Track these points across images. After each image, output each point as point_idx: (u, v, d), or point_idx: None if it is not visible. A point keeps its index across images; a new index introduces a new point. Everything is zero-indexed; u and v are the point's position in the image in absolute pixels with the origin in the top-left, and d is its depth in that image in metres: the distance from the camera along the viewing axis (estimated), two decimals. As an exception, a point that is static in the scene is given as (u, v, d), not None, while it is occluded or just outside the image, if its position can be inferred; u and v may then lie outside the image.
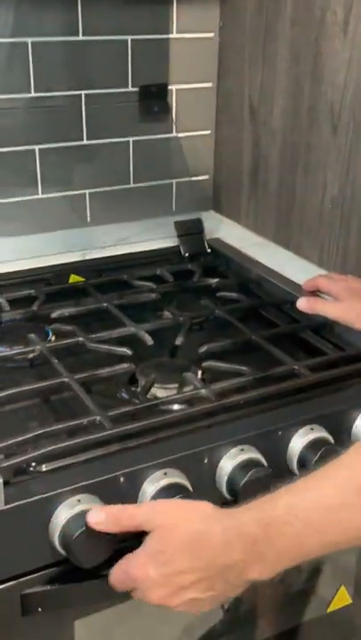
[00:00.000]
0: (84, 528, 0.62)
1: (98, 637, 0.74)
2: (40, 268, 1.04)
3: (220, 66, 1.19)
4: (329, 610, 0.90)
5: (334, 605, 0.90)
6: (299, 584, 0.91)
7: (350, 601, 0.91)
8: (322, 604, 0.90)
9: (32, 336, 0.87)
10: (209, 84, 1.21)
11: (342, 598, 0.90)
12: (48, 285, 1.01)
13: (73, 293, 1.01)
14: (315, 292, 0.96)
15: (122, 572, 0.62)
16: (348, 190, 0.99)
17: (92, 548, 0.63)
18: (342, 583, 0.90)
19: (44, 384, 0.78)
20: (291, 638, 0.91)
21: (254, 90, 1.13)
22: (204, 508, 0.62)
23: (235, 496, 0.71)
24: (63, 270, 1.04)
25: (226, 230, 1.22)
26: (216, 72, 1.21)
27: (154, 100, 1.16)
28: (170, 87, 1.18)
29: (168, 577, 0.59)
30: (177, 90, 1.19)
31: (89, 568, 0.64)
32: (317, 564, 0.91)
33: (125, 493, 0.67)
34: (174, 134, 1.20)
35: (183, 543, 0.59)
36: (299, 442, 0.75)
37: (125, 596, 0.68)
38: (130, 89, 1.14)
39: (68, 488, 0.64)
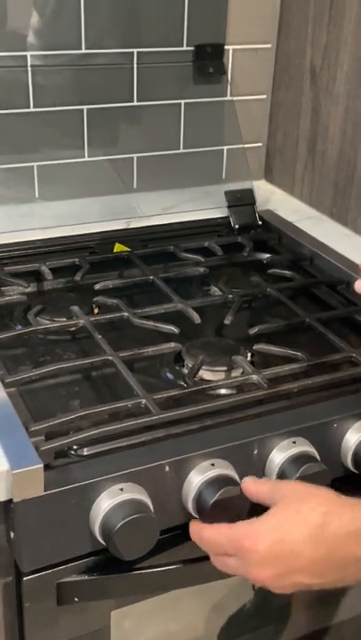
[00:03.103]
0: (127, 520, 0.58)
1: (134, 628, 0.71)
2: (83, 235, 1.00)
3: (280, 25, 1.12)
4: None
5: None
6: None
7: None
8: (357, 604, 0.86)
9: (75, 308, 0.82)
10: (268, 45, 1.14)
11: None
12: (92, 254, 0.97)
13: (117, 264, 0.96)
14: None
15: (224, 537, 0.59)
16: None
17: (133, 540, 0.60)
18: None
19: (87, 361, 0.74)
20: (323, 637, 0.87)
21: (317, 52, 1.06)
22: (330, 494, 0.58)
23: (285, 491, 0.66)
24: (107, 239, 1.00)
25: (278, 202, 1.16)
26: (276, 32, 1.13)
27: (209, 60, 1.09)
28: (226, 47, 1.11)
29: (279, 557, 0.56)
30: (234, 50, 1.12)
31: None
32: None
33: (170, 483, 0.64)
34: (229, 98, 1.14)
35: (307, 526, 0.55)
36: (355, 436, 0.70)
37: (162, 588, 0.65)
38: (184, 48, 1.08)
39: (110, 475, 0.61)
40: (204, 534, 0.61)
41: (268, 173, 1.22)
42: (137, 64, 1.06)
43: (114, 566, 0.63)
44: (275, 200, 1.16)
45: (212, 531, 0.60)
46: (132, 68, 1.06)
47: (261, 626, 0.84)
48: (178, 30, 1.06)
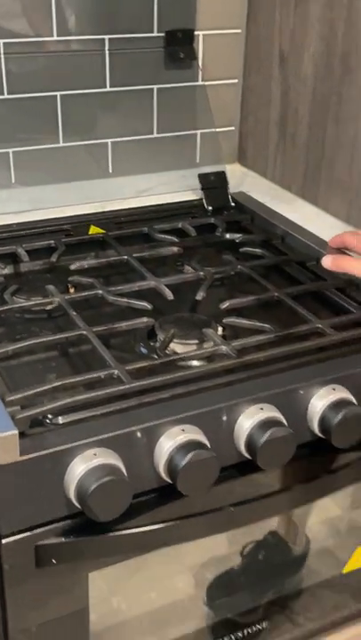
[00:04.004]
0: (100, 482, 0.61)
1: (111, 590, 0.74)
2: (59, 218, 1.02)
3: (249, 11, 1.14)
4: (345, 570, 0.89)
5: (350, 567, 0.89)
6: (316, 543, 0.91)
7: (367, 562, 0.90)
8: (337, 564, 0.90)
9: (50, 287, 0.85)
10: (238, 31, 1.17)
11: (359, 560, 0.90)
12: (67, 236, 0.99)
13: (93, 245, 0.98)
14: (341, 250, 0.93)
15: None
16: (379, 144, 0.96)
17: (106, 502, 0.62)
18: (359, 544, 0.89)
19: (62, 336, 0.76)
20: (305, 596, 0.91)
21: (285, 36, 1.08)
22: None
23: (253, 455, 0.69)
24: (83, 221, 1.02)
25: (251, 183, 1.18)
26: (245, 17, 1.16)
27: (180, 46, 1.11)
28: (197, 33, 1.13)
29: None
30: (204, 36, 1.14)
31: (104, 522, 0.63)
32: (334, 525, 0.90)
33: (142, 448, 0.66)
34: (200, 82, 1.16)
35: None
36: (320, 402, 0.73)
37: (137, 549, 0.68)
38: (155, 34, 1.10)
39: (84, 441, 0.63)
40: None
41: (242, 156, 1.25)
42: (109, 50, 1.08)
43: (90, 529, 0.66)
44: (248, 182, 1.19)
45: None
46: (104, 54, 1.08)
47: (249, 588, 0.87)
48: (148, 17, 1.08)
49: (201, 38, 1.14)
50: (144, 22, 1.09)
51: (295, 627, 0.90)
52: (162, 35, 1.10)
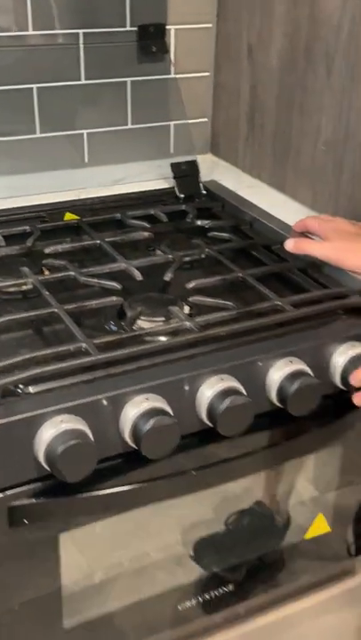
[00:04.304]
0: (67, 445, 0.66)
1: (82, 550, 0.78)
2: (35, 205, 1.06)
3: (219, 6, 1.19)
4: (306, 536, 0.94)
5: (312, 533, 0.94)
6: (281, 511, 0.96)
7: (329, 529, 0.95)
8: (300, 530, 0.95)
9: (25, 269, 0.89)
10: (208, 25, 1.21)
11: (320, 526, 0.94)
12: (43, 223, 1.03)
13: (67, 231, 1.03)
14: (304, 233, 0.98)
15: None
16: (340, 133, 1.00)
17: (73, 464, 0.67)
18: (321, 511, 0.94)
19: (34, 313, 0.81)
20: (271, 563, 0.95)
21: (252, 32, 1.13)
22: None
23: (214, 422, 0.74)
24: (58, 209, 1.06)
25: (222, 173, 1.23)
26: (215, 13, 1.20)
27: (152, 40, 1.16)
28: (168, 27, 1.17)
29: None
30: (176, 30, 1.19)
31: (71, 482, 0.68)
32: (297, 493, 0.95)
33: (108, 416, 0.71)
34: (173, 75, 1.21)
35: None
36: (278, 373, 0.78)
37: (105, 510, 0.72)
38: (128, 28, 1.14)
39: (52, 408, 0.68)
40: None
41: (215, 147, 1.29)
42: (83, 44, 1.12)
43: (60, 490, 0.70)
44: (219, 171, 1.23)
45: None
46: (79, 48, 1.12)
47: (231, 550, 0.91)
48: (121, 11, 1.13)
49: (173, 33, 1.19)
50: (117, 17, 1.13)
51: (267, 590, 0.95)
52: (134, 29, 1.15)
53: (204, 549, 0.89)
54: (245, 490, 0.94)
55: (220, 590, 0.89)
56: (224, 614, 0.95)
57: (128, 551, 0.84)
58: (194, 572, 0.89)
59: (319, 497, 0.95)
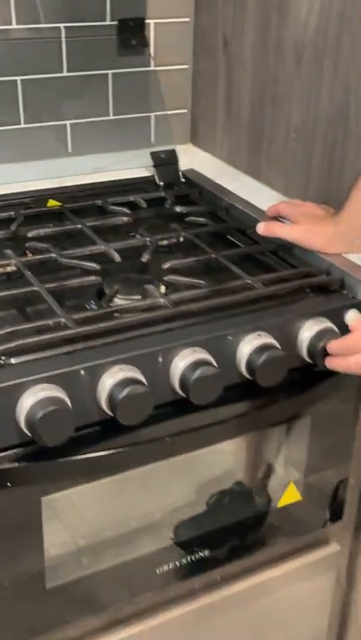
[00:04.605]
0: (46, 411, 0.70)
1: (63, 514, 0.83)
2: (19, 192, 1.11)
3: (196, 1, 1.23)
4: (279, 505, 0.99)
5: (284, 501, 0.99)
6: (253, 481, 1.01)
7: (300, 498, 1.00)
8: (274, 500, 0.99)
9: (9, 252, 0.94)
10: (186, 19, 1.26)
11: (292, 495, 0.99)
12: (27, 209, 1.08)
13: (50, 217, 1.07)
14: (277, 218, 1.03)
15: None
16: (309, 121, 1.05)
17: (52, 429, 0.71)
18: (292, 480, 0.99)
19: (16, 291, 0.85)
20: (247, 532, 1.00)
21: (227, 24, 1.17)
22: None
23: (186, 391, 0.79)
24: (42, 196, 1.11)
25: (201, 162, 1.27)
26: (193, 7, 1.25)
27: (131, 33, 1.20)
28: (148, 21, 1.22)
29: None
30: (155, 24, 1.23)
31: (51, 447, 0.72)
32: (268, 461, 1.00)
33: (86, 385, 0.76)
34: (152, 68, 1.25)
35: None
36: (247, 346, 0.83)
37: (85, 474, 0.77)
38: (108, 22, 1.19)
39: (32, 377, 0.73)
40: (346, 341, 0.83)
41: (194, 137, 1.34)
42: (65, 38, 1.16)
43: (42, 455, 0.75)
44: (198, 161, 1.28)
45: (352, 335, 0.84)
46: (61, 41, 1.16)
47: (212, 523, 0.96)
48: (101, 6, 1.17)
49: (152, 26, 1.23)
50: (98, 11, 1.17)
51: (242, 557, 1.00)
52: (115, 23, 1.19)
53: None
54: (226, 471, 0.99)
55: (197, 555, 0.94)
56: (201, 580, 1.00)
57: (109, 518, 0.89)
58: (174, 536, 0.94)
59: (292, 470, 1.00)
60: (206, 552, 0.95)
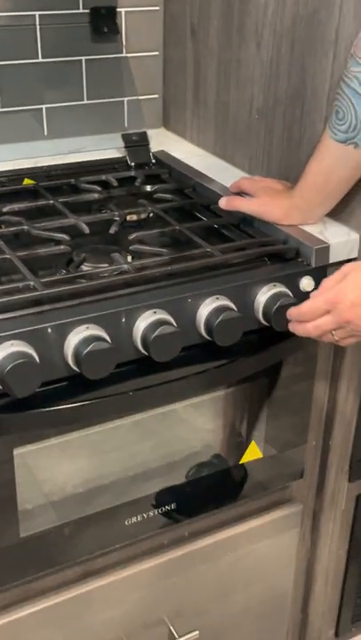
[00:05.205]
0: (15, 363, 0.76)
1: (36, 467, 0.89)
2: (-5, 172, 1.17)
3: (165, -11, 1.29)
4: (241, 461, 1.05)
5: (246, 458, 1.05)
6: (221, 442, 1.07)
7: (261, 455, 1.06)
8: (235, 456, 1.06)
9: (-17, 226, 1.00)
10: (156, 8, 1.31)
11: (253, 452, 1.06)
12: (2, 187, 1.13)
13: (25, 195, 1.13)
14: (239, 193, 1.09)
15: (319, 300, 0.86)
16: (270, 101, 1.11)
17: (20, 381, 0.77)
18: (253, 439, 1.05)
19: (-11, 259, 0.91)
20: (212, 488, 1.07)
21: (194, 11, 1.23)
22: None
23: (147, 349, 0.85)
24: (17, 175, 1.17)
25: (172, 144, 1.33)
26: (162, -5, 1.31)
27: (103, 21, 1.26)
28: (119, 9, 1.27)
29: None
30: (126, 12, 1.29)
31: (21, 398, 0.78)
32: (232, 422, 1.06)
33: (53, 342, 0.81)
34: (124, 55, 1.31)
35: None
36: (205, 309, 0.89)
37: (55, 426, 0.83)
38: (81, 10, 1.24)
39: (2, 334, 0.78)
40: (303, 307, 0.88)
41: (167, 121, 1.40)
42: (39, 25, 1.22)
43: (13, 407, 0.81)
44: (169, 143, 1.34)
45: (308, 302, 0.88)
46: (36, 28, 1.22)
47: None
48: (74, -6, 1.23)
49: (123, 14, 1.29)
50: (70, 0, 1.23)
51: (209, 514, 1.07)
52: (87, 11, 1.25)
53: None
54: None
55: (164, 509, 1.00)
56: (170, 536, 1.06)
57: (80, 472, 0.95)
58: (141, 490, 1.00)
59: (254, 431, 1.06)
60: (173, 505, 1.01)
